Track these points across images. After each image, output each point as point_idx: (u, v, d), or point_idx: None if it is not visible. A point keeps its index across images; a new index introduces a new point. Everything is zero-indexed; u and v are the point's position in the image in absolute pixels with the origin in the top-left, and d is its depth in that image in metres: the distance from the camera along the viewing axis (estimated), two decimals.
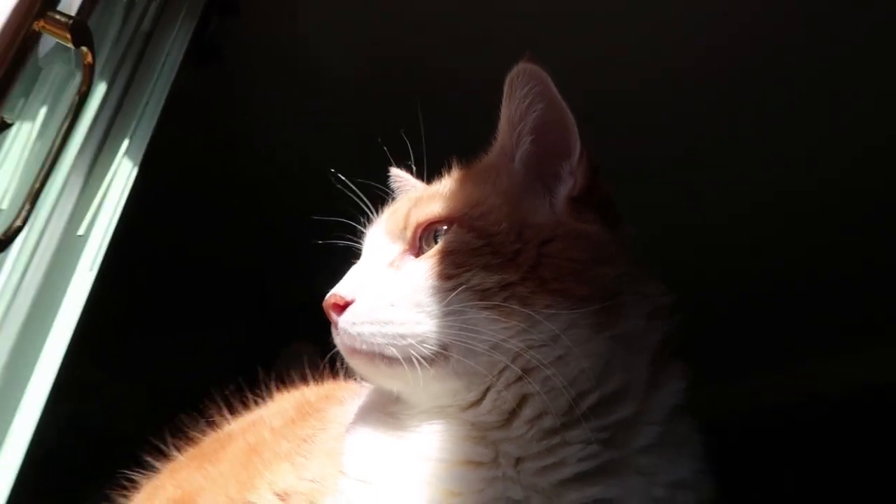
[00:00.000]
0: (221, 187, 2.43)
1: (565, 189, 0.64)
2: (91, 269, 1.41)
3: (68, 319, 1.34)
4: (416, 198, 0.67)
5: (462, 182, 0.67)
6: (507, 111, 0.65)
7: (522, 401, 0.57)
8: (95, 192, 1.47)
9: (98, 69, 1.52)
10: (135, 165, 1.53)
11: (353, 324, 0.59)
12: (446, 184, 0.68)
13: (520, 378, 0.57)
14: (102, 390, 1.79)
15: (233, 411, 0.78)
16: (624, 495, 0.55)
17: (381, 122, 0.75)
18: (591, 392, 0.57)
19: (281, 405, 0.75)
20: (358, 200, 0.71)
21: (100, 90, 1.50)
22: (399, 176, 0.82)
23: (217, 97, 2.13)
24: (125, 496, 0.76)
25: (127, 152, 1.54)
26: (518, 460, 0.56)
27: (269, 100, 2.31)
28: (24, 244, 1.30)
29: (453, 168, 0.71)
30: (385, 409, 0.61)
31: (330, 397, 0.70)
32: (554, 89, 0.63)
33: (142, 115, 1.59)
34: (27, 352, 1.29)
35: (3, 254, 1.23)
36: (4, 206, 1.08)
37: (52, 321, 1.34)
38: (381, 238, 0.65)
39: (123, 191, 1.51)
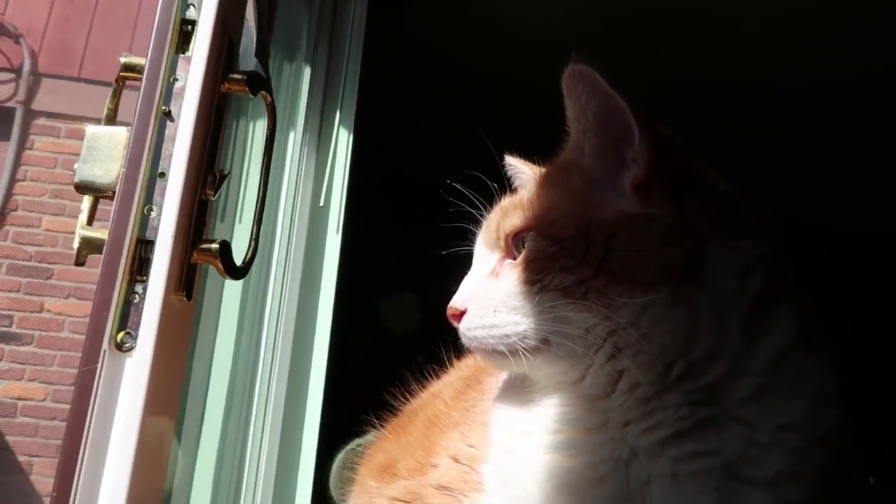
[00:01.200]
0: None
1: (629, 176, 0.67)
2: (337, 233, 1.62)
3: (329, 279, 1.58)
4: (504, 208, 0.74)
5: (540, 186, 0.73)
6: (570, 110, 0.68)
7: (619, 375, 0.64)
8: (325, 165, 1.66)
9: (300, 53, 1.69)
10: (350, 132, 1.69)
11: (469, 329, 0.69)
12: (528, 189, 0.74)
13: (613, 356, 0.63)
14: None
15: (420, 385, 0.93)
16: (722, 445, 0.60)
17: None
18: (679, 360, 0.62)
19: (452, 378, 0.90)
20: (474, 201, 0.77)
21: (306, 74, 1.66)
22: (512, 164, 0.85)
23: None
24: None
25: (341, 122, 1.70)
26: (624, 424, 0.63)
27: None
28: (283, 226, 1.54)
29: (538, 167, 0.76)
30: (519, 385, 0.73)
31: (487, 369, 0.82)
32: (603, 83, 0.66)
33: (344, 82, 1.73)
34: (308, 302, 1.55)
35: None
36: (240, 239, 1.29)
37: (320, 278, 1.60)
38: (483, 248, 0.74)
39: (347, 158, 1.68)
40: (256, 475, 1.39)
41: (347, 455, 1.39)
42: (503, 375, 0.77)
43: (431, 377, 0.93)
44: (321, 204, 1.65)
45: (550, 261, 0.65)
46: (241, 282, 1.48)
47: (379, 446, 0.92)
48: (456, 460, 0.72)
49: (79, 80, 3.31)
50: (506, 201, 0.77)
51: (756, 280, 0.64)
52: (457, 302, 0.71)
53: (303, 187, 1.63)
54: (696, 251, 0.64)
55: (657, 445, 0.61)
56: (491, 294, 0.69)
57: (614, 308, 0.62)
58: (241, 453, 1.40)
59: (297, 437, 1.47)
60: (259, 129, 1.45)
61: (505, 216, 0.73)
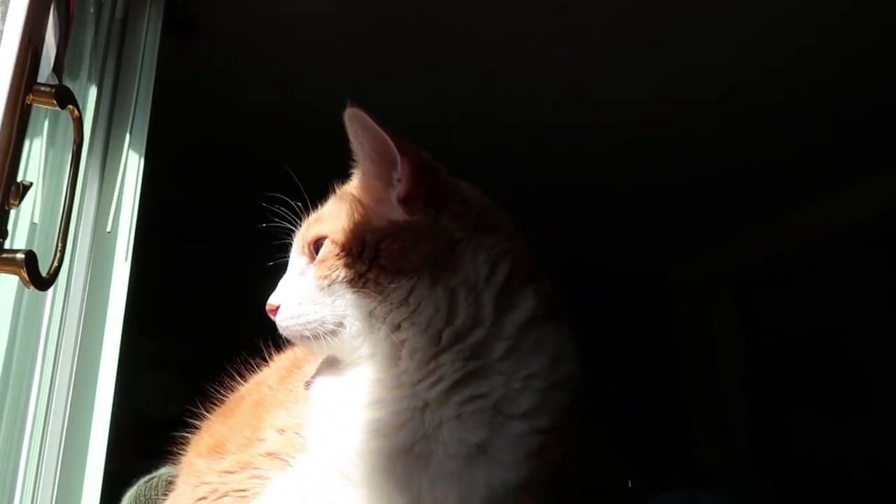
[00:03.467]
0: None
1: (395, 193, 0.84)
2: (126, 260, 1.55)
3: (116, 309, 1.50)
4: (308, 221, 0.90)
5: (334, 203, 0.90)
6: (352, 143, 0.85)
7: (401, 344, 0.79)
8: (112, 189, 1.58)
9: (84, 71, 1.61)
10: (140, 156, 1.64)
11: (283, 320, 0.83)
12: (327, 207, 0.92)
13: (394, 330, 0.79)
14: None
15: (243, 377, 1.02)
16: (490, 390, 0.77)
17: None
18: (446, 329, 0.79)
19: (274, 367, 1.01)
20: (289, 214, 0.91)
21: (91, 93, 1.59)
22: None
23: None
24: (182, 453, 1.00)
25: (131, 146, 1.63)
26: (415, 383, 0.78)
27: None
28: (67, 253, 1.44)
29: (334, 191, 0.93)
30: (333, 364, 0.86)
31: (307, 356, 0.95)
32: (371, 122, 0.81)
33: (135, 105, 1.67)
34: (92, 333, 1.46)
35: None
36: (43, 249, 1.21)
37: (106, 310, 1.51)
38: (294, 255, 0.89)
39: (137, 183, 1.62)
40: None
41: (140, 489, 1.32)
42: (320, 359, 0.88)
43: (253, 370, 0.98)
44: (108, 230, 1.57)
45: (336, 259, 0.81)
46: (9, 318, 1.35)
47: (206, 431, 0.96)
48: (281, 431, 0.83)
49: None
50: (311, 217, 0.91)
51: (504, 268, 0.82)
52: (272, 299, 0.85)
53: (85, 211, 1.54)
54: (449, 247, 0.81)
55: (443, 395, 0.77)
56: (297, 290, 0.84)
57: (387, 293, 0.79)
58: (9, 494, 1.26)
59: (79, 475, 1.36)
60: (35, 145, 1.36)
61: (308, 228, 0.88)
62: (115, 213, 1.58)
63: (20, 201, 0.68)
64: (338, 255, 0.81)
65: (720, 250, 4.08)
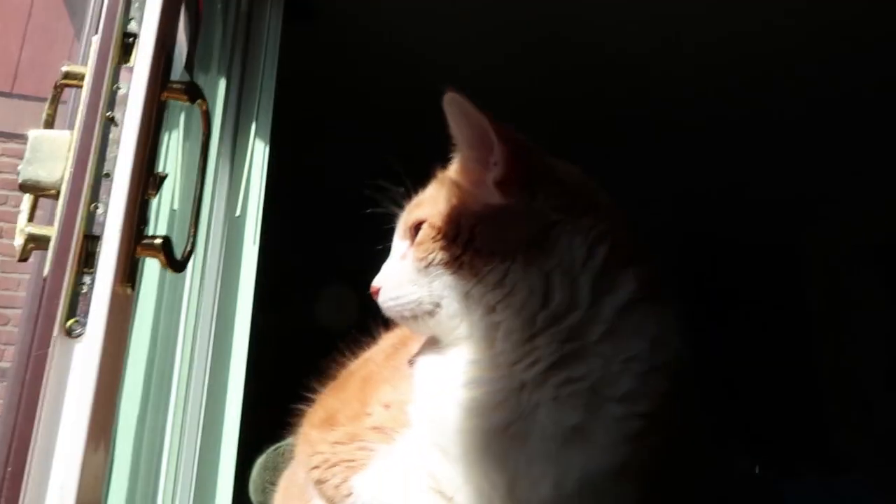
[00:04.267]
0: None
1: (491, 177, 0.85)
2: (254, 244, 1.66)
3: (246, 290, 1.61)
4: (410, 206, 0.93)
5: (434, 188, 0.93)
6: (451, 128, 0.86)
7: (496, 326, 0.81)
8: (241, 176, 1.69)
9: (214, 64, 1.73)
10: (266, 144, 1.74)
11: (384, 301, 0.88)
12: (427, 191, 0.94)
13: (488, 312, 0.81)
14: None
15: (354, 354, 1.07)
16: (587, 372, 0.77)
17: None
18: (541, 311, 0.79)
19: (382, 345, 1.05)
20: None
21: (221, 85, 1.70)
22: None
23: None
24: (299, 424, 1.07)
25: (257, 133, 1.74)
26: (511, 364, 0.79)
27: None
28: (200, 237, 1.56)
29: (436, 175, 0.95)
30: (435, 343, 0.89)
31: (413, 335, 0.97)
32: (469, 106, 0.83)
33: (260, 94, 1.77)
34: (226, 311, 1.58)
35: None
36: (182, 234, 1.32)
37: (237, 290, 1.62)
38: (397, 239, 0.93)
39: (263, 168, 1.72)
40: (175, 481, 1.40)
41: (269, 457, 1.42)
42: (424, 338, 0.91)
43: (363, 347, 1.03)
44: (237, 214, 1.68)
45: (432, 242, 0.84)
46: (154, 298, 1.49)
47: (319, 404, 1.02)
48: (387, 406, 0.87)
49: None
50: (413, 201, 0.94)
51: (602, 250, 0.81)
52: (375, 281, 0.89)
53: (218, 198, 1.66)
54: (544, 230, 0.82)
55: (539, 376, 0.78)
56: (398, 272, 0.88)
57: (482, 275, 0.80)
58: (157, 459, 1.41)
59: (216, 444, 1.49)
60: (174, 138, 1.48)
61: (409, 212, 0.92)
62: (243, 199, 1.69)
63: (158, 191, 0.74)
64: (434, 238, 0.84)
65: (861, 214, 3.70)
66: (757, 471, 3.42)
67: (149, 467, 1.40)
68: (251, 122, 1.74)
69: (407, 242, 0.90)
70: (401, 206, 0.94)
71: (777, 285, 4.08)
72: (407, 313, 0.85)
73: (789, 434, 3.81)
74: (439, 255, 0.83)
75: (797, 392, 3.95)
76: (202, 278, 1.57)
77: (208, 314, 1.57)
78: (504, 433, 0.77)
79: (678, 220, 3.48)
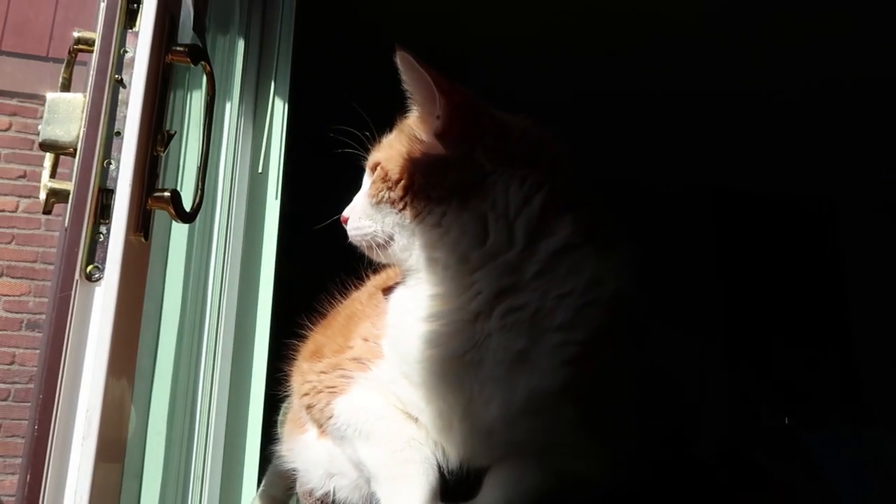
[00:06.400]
0: None
1: (433, 128, 0.92)
2: (276, 198, 1.73)
3: (270, 242, 1.69)
4: (375, 149, 1.02)
5: (395, 135, 1.00)
6: (405, 84, 0.92)
7: (437, 261, 0.89)
8: (262, 134, 1.76)
9: (234, 27, 1.77)
10: (285, 102, 1.79)
11: (350, 230, 0.98)
12: (389, 137, 1.01)
13: (430, 249, 0.89)
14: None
15: (342, 294, 1.15)
16: (526, 302, 0.85)
17: None
18: (476, 248, 0.87)
19: (367, 286, 1.14)
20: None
21: (240, 46, 1.75)
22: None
23: None
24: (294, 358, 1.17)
25: (276, 92, 1.79)
26: (458, 296, 0.87)
27: None
28: (223, 193, 1.64)
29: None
30: (404, 279, 0.97)
31: (397, 276, 1.05)
32: (415, 63, 0.88)
33: (278, 54, 1.82)
34: (250, 271, 1.66)
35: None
36: (188, 188, 1.39)
37: (261, 242, 1.70)
38: (366, 174, 1.02)
39: (283, 126, 1.78)
40: (208, 420, 1.51)
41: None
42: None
43: (352, 288, 1.10)
44: (259, 171, 1.75)
45: (381, 183, 0.93)
46: (185, 251, 1.58)
47: (310, 338, 1.11)
48: (366, 340, 0.97)
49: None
50: (380, 143, 1.03)
51: (538, 198, 0.88)
52: (345, 212, 1.00)
53: (241, 155, 1.73)
54: (479, 178, 0.89)
55: (486, 306, 0.85)
56: (359, 206, 0.97)
57: (423, 216, 0.89)
58: (191, 402, 1.51)
59: (245, 389, 1.59)
60: (196, 99, 1.54)
61: (372, 154, 1.01)
62: (265, 155, 1.75)
63: (166, 148, 0.80)
64: (383, 178, 0.93)
65: None
66: (786, 421, 3.44)
67: (184, 410, 1.51)
68: (270, 81, 1.79)
69: (369, 181, 0.99)
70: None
71: (811, 240, 4.02)
72: (365, 243, 0.95)
73: (819, 385, 3.80)
74: (386, 195, 0.92)
75: (829, 342, 3.93)
76: (228, 231, 1.65)
77: (237, 263, 1.66)
78: (460, 360, 0.85)
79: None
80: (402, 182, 0.91)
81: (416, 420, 0.89)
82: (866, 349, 3.87)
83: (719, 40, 2.58)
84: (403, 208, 0.91)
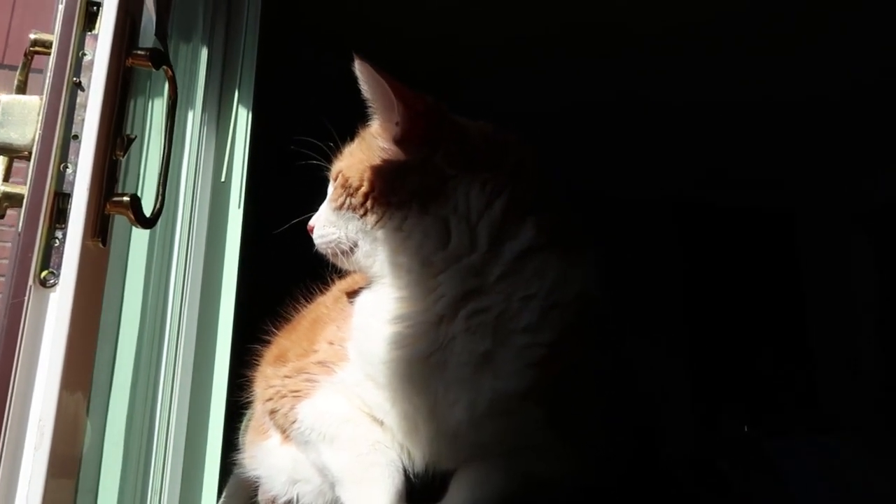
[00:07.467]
0: None
1: (393, 134, 0.93)
2: (239, 207, 1.71)
3: (232, 251, 1.66)
4: (338, 158, 1.03)
5: (356, 143, 1.02)
6: (364, 93, 0.94)
7: (401, 265, 0.90)
8: (225, 143, 1.74)
9: (197, 34, 1.75)
10: (248, 111, 1.77)
11: (316, 238, 0.99)
12: (351, 146, 1.03)
13: (394, 253, 0.90)
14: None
15: (308, 299, 1.17)
16: (491, 305, 0.86)
17: None
18: (438, 251, 0.88)
19: (333, 291, 1.15)
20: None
21: (203, 54, 1.73)
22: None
23: None
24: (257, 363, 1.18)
25: (240, 101, 1.77)
26: (423, 298, 0.88)
27: None
28: (185, 201, 1.61)
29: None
30: (370, 283, 0.98)
31: (362, 281, 1.06)
32: (373, 72, 0.89)
33: (242, 62, 1.80)
34: (211, 279, 1.64)
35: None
36: (149, 193, 1.37)
37: (224, 251, 1.68)
38: (330, 184, 1.03)
39: (246, 135, 1.76)
40: (167, 430, 1.47)
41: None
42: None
43: (317, 292, 1.10)
44: (223, 179, 1.73)
45: (342, 190, 0.95)
46: (145, 258, 1.55)
47: (274, 343, 1.11)
48: (331, 343, 0.97)
49: None
50: (342, 152, 1.04)
51: (500, 202, 0.90)
52: (311, 220, 1.01)
53: (203, 164, 1.70)
54: (440, 182, 0.91)
55: (450, 308, 0.86)
56: (324, 214, 0.99)
57: (384, 221, 0.91)
58: (150, 413, 1.48)
59: (206, 397, 1.56)
60: (157, 104, 1.51)
61: (335, 164, 1.03)
62: (227, 164, 1.73)
63: (125, 152, 0.79)
64: (344, 185, 0.95)
65: (854, 185, 3.74)
66: (746, 430, 3.50)
67: (142, 420, 1.47)
68: (234, 90, 1.78)
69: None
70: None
71: (770, 251, 4.13)
72: (331, 251, 0.97)
73: (780, 393, 3.88)
74: (347, 201, 0.94)
75: (788, 351, 4.03)
76: (189, 240, 1.62)
77: (199, 272, 1.63)
78: (426, 362, 0.85)
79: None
80: (362, 188, 0.93)
81: (382, 423, 0.89)
82: (825, 358, 3.98)
83: (679, 54, 2.65)
84: (364, 214, 0.92)
